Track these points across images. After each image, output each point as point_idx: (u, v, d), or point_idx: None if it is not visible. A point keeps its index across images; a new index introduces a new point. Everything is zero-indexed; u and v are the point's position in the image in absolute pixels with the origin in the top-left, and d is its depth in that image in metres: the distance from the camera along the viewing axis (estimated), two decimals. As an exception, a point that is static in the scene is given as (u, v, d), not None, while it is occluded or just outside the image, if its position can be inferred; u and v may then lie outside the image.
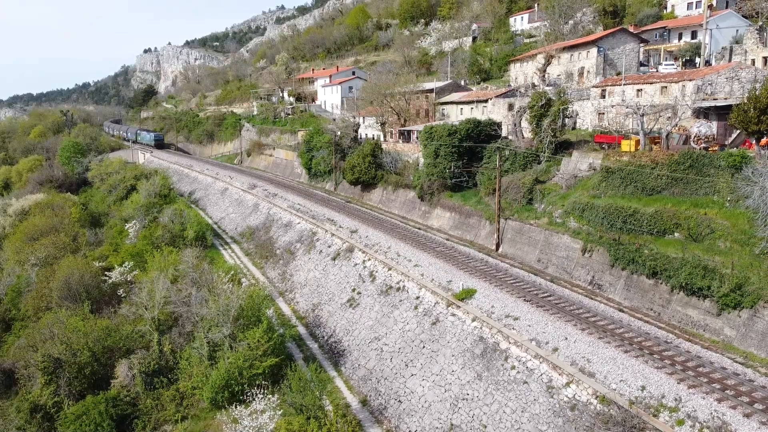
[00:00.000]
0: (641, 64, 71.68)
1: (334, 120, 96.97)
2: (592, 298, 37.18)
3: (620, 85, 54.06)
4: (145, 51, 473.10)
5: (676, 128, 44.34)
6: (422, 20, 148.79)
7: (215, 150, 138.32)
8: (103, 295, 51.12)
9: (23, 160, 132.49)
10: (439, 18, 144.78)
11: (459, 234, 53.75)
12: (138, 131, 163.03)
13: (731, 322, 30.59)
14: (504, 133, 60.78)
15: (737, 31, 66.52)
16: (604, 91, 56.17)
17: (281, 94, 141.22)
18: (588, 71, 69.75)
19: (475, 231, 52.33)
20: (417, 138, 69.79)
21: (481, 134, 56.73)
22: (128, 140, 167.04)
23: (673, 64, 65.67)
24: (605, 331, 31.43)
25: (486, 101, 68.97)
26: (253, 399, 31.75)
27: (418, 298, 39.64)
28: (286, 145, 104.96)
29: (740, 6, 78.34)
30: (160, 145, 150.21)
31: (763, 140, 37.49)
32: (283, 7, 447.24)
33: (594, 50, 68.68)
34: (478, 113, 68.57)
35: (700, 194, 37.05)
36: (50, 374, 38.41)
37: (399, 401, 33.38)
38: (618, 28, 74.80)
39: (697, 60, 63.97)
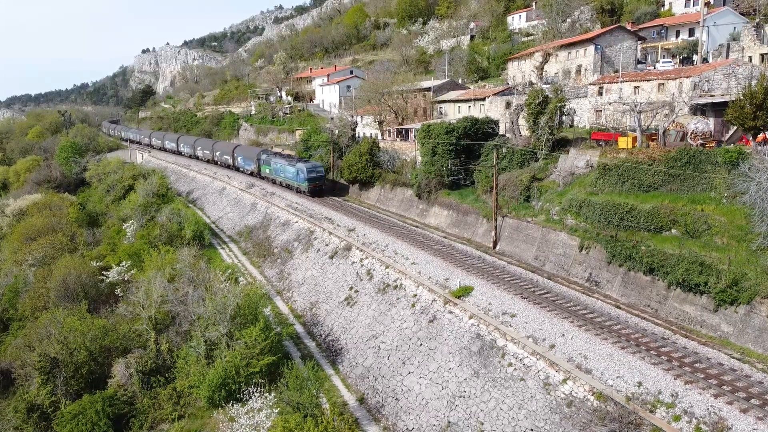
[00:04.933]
0: (638, 62, 71.69)
1: (332, 119, 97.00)
2: (589, 295, 37.13)
3: (617, 82, 54.01)
4: (144, 51, 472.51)
5: (673, 125, 44.33)
6: (420, 19, 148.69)
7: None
8: (100, 295, 51.08)
9: (21, 160, 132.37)
10: (437, 17, 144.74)
11: (456, 232, 53.70)
12: (266, 155, 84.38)
13: (728, 318, 30.56)
14: (501, 130, 60.76)
15: (734, 28, 66.53)
16: (601, 88, 56.12)
17: (279, 94, 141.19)
18: (585, 69, 69.73)
19: (472, 229, 52.27)
20: (414, 136, 69.75)
21: (479, 132, 56.68)
22: (226, 165, 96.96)
23: (670, 62, 65.68)
24: (602, 328, 31.40)
25: (483, 99, 68.93)
26: (250, 397, 31.79)
27: (415, 296, 39.59)
28: (284, 144, 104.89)
29: (737, 3, 78.37)
30: (317, 189, 71.54)
31: (760, 136, 37.53)
32: (281, 7, 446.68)
33: (591, 48, 68.66)
34: (476, 111, 68.54)
35: (697, 190, 37.01)
36: (47, 374, 38.35)
37: (396, 399, 33.34)
38: (615, 25, 74.82)
39: (695, 57, 63.97)
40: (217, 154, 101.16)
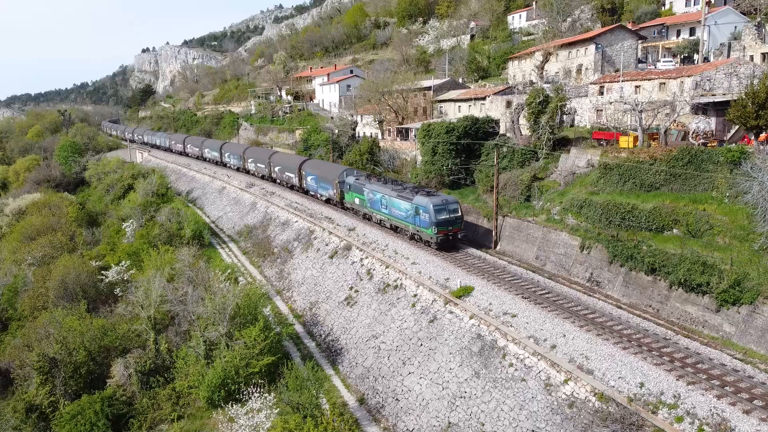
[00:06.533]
0: (639, 61, 71.52)
1: (332, 118, 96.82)
2: (590, 295, 36.95)
3: (618, 81, 53.83)
4: (144, 51, 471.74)
5: (675, 124, 44.16)
6: (420, 18, 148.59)
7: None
8: (99, 295, 50.95)
9: (20, 159, 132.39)
10: (437, 16, 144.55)
11: (457, 232, 53.44)
12: (355, 178, 57.59)
13: (730, 318, 30.40)
14: (502, 130, 60.54)
15: (735, 27, 66.38)
16: (602, 87, 55.95)
17: (279, 93, 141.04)
18: (586, 68, 69.55)
19: (473, 228, 52.07)
20: (415, 136, 69.56)
21: (479, 131, 56.51)
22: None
23: (671, 61, 65.51)
24: (604, 328, 31.22)
25: (484, 98, 68.74)
26: (250, 398, 31.57)
27: (415, 295, 39.42)
28: (284, 143, 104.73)
29: (738, 2, 78.19)
30: (450, 238, 45.78)
31: (762, 135, 37.33)
32: (281, 7, 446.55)
33: (592, 47, 68.49)
34: (476, 111, 68.33)
35: (698, 190, 36.84)
36: (46, 374, 38.17)
37: (396, 399, 33.18)
38: (616, 25, 74.65)
39: (696, 56, 63.81)
40: (277, 169, 78.09)
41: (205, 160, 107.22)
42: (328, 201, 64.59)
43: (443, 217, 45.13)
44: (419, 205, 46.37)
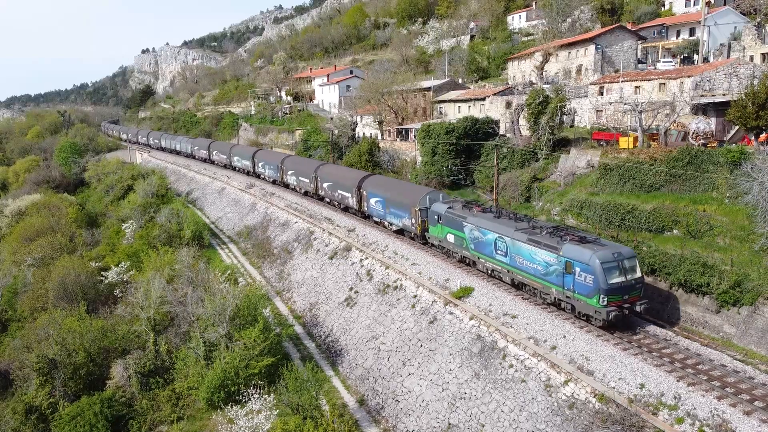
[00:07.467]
0: (639, 62, 71.52)
1: (332, 119, 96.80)
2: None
3: (618, 82, 53.82)
4: (143, 51, 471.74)
5: (675, 125, 44.15)
6: (420, 19, 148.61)
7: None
8: (99, 296, 50.93)
9: (20, 160, 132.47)
10: (437, 16, 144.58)
11: (457, 232, 53.29)
12: (447, 206, 42.62)
13: (731, 319, 30.35)
14: (502, 130, 60.57)
15: (735, 27, 66.37)
16: (602, 88, 55.94)
17: (279, 94, 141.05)
18: (586, 69, 69.52)
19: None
20: (414, 136, 69.56)
21: (479, 132, 56.55)
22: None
23: (671, 61, 65.47)
24: (604, 329, 31.14)
25: (484, 99, 68.74)
26: (249, 399, 31.55)
27: (415, 296, 39.36)
28: (284, 144, 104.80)
29: (738, 3, 78.19)
30: (625, 309, 29.98)
31: (762, 136, 37.35)
32: (281, 7, 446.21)
33: (592, 48, 68.48)
34: (476, 111, 68.33)
35: (698, 191, 36.82)
36: (45, 375, 38.22)
37: (396, 400, 33.13)
38: (616, 25, 74.64)
39: (695, 57, 63.78)
40: (326, 185, 63.04)
41: (233, 169, 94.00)
42: (400, 232, 49.74)
43: (617, 280, 29.66)
44: (574, 259, 30.79)
